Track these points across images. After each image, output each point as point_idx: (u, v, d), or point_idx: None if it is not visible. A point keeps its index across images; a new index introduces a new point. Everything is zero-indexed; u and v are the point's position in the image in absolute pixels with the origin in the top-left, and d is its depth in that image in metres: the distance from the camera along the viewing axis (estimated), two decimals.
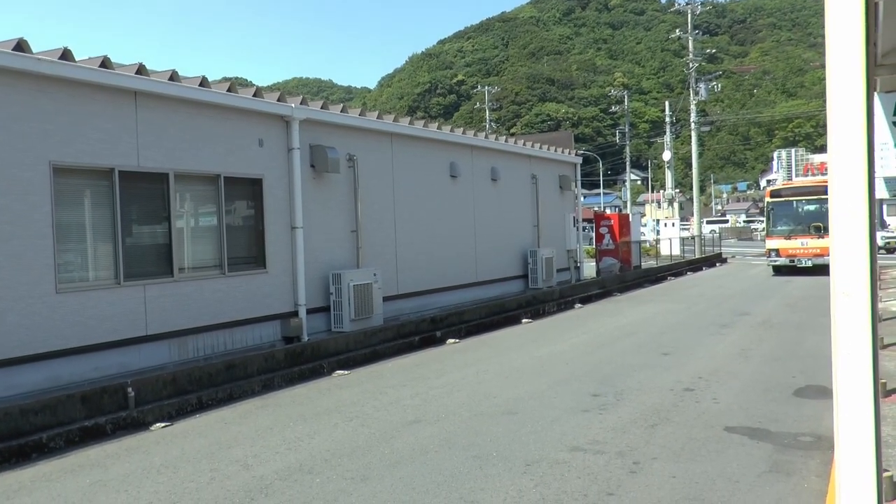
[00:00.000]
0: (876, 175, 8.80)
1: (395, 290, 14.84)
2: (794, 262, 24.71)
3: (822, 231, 23.83)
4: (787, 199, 25.82)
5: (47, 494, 6.31)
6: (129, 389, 8.84)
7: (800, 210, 25.44)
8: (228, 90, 11.42)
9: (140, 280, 9.99)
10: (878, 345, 1.98)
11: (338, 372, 11.23)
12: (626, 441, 6.97)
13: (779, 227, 25.44)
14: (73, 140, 9.22)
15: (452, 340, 13.85)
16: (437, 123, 17.68)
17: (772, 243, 25.60)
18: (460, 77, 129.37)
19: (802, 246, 24.57)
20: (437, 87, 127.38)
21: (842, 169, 1.94)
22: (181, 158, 10.60)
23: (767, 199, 26.57)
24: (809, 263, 24.29)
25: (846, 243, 1.95)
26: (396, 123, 15.23)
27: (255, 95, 11.90)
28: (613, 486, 5.80)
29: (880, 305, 13.74)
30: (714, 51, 72.61)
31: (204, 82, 11.05)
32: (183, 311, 10.51)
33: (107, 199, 9.69)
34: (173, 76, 10.50)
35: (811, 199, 24.94)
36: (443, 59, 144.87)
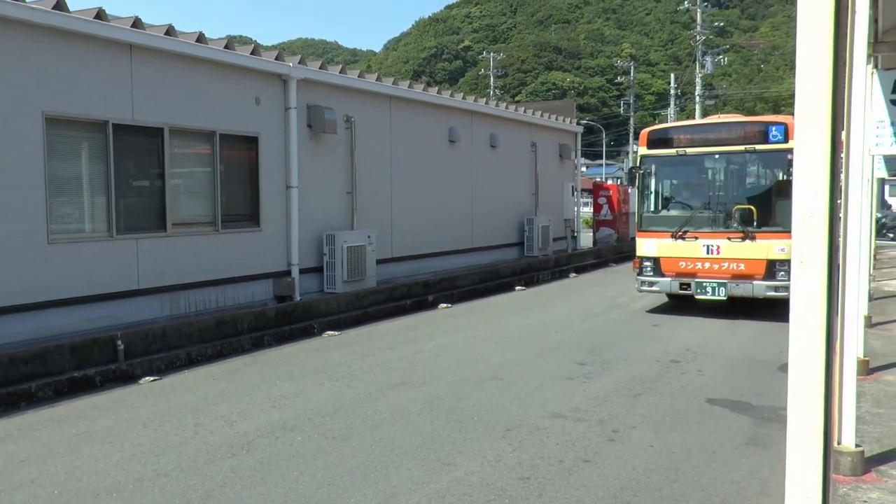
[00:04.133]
0: (872, 153, 8.76)
1: (390, 253, 14.85)
2: (688, 287, 12.23)
3: (750, 221, 11.83)
4: (680, 151, 12.58)
5: (33, 443, 6.37)
6: (119, 342, 8.90)
7: (706, 175, 12.73)
8: (226, 47, 11.31)
9: (133, 234, 9.99)
10: (835, 315, 1.98)
11: (328, 332, 11.29)
12: (607, 410, 7.03)
13: (662, 213, 13.01)
14: (66, 91, 9.15)
15: (444, 305, 13.90)
16: (436, 88, 17.55)
17: (646, 245, 12.71)
18: (467, 43, 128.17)
19: (708, 255, 12.03)
20: (443, 53, 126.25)
21: (805, 134, 1.94)
22: (176, 114, 10.53)
23: (641, 150, 13.23)
24: (722, 294, 11.94)
25: (806, 212, 1.95)
26: (395, 86, 15.11)
27: (252, 53, 11.80)
28: (590, 453, 5.85)
29: (873, 285, 13.77)
30: (723, 24, 71.95)
31: (201, 38, 10.95)
32: (175, 266, 10.52)
33: (100, 151, 9.64)
34: (170, 31, 10.40)
35: (732, 152, 12.18)
36: (450, 24, 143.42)
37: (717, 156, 12.35)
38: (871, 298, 11.60)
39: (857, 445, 5.02)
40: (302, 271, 12.52)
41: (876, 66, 8.48)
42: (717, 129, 12.57)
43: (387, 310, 12.93)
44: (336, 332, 11.32)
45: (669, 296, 13.53)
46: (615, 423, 6.62)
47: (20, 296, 8.71)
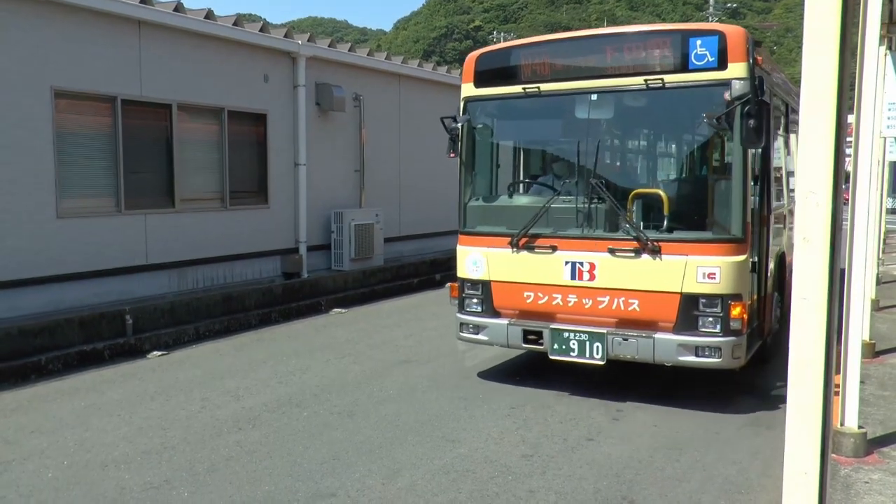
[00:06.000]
0: (883, 136, 8.68)
1: (397, 232, 14.86)
2: (538, 337, 6.69)
3: (655, 219, 6.32)
4: (529, 89, 6.72)
5: (43, 415, 6.45)
6: (128, 317, 8.97)
7: (575, 131, 6.81)
8: (234, 24, 11.28)
9: (141, 210, 10.02)
10: (836, 293, 1.99)
11: (335, 310, 11.33)
12: (613, 389, 7.05)
13: (498, 201, 7.46)
14: (74, 66, 9.15)
15: (451, 284, 13.89)
16: (446, 68, 17.48)
17: (469, 260, 7.15)
18: (477, 23, 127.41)
19: (575, 281, 6.47)
20: (453, 32, 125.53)
21: (810, 108, 1.93)
22: (185, 90, 10.52)
23: (466, 89, 7.17)
24: (597, 354, 6.41)
25: (809, 190, 1.95)
26: (404, 65, 15.06)
27: (261, 31, 11.77)
28: (594, 431, 5.88)
29: (882, 269, 13.71)
30: (736, 5, 71.25)
31: (210, 15, 10.94)
32: (183, 242, 10.56)
33: (109, 126, 9.65)
34: (178, 7, 10.37)
35: (622, 89, 6.41)
36: (460, 3, 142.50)
37: (594, 96, 6.58)
38: (879, 282, 11.56)
39: (859, 427, 5.04)
40: (310, 249, 12.56)
41: (889, 48, 8.39)
42: (595, 47, 6.71)
43: (394, 288, 12.97)
44: (343, 310, 11.36)
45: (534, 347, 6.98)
46: (620, 402, 6.64)
47: (30, 270, 8.76)
